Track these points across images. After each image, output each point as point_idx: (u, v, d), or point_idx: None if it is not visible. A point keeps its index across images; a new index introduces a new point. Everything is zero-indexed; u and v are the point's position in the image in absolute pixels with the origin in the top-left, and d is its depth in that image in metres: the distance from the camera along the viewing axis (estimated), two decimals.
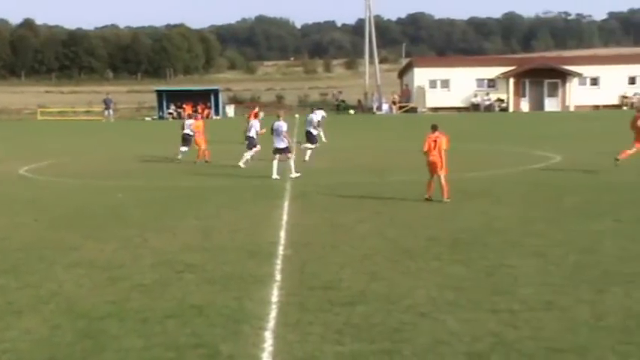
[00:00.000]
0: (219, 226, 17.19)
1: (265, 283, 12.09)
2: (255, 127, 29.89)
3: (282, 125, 26.13)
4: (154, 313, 10.55)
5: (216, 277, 12.53)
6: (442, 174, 19.88)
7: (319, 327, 9.84)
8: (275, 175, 25.47)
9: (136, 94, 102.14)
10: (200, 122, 33.54)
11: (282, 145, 26.01)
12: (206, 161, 31.66)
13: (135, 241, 15.68)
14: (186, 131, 33.05)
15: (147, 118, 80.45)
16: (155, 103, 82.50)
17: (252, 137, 29.98)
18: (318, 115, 34.54)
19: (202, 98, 79.64)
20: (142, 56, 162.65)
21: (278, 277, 12.51)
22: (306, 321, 10.08)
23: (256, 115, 33.47)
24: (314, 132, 32.86)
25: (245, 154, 29.63)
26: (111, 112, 78.56)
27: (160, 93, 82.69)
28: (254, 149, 29.80)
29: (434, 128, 20.28)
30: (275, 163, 25.85)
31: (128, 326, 10.05)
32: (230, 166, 29.66)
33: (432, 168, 19.91)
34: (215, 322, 10.11)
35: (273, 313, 10.49)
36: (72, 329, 9.99)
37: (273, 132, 26.41)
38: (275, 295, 11.37)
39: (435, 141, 19.91)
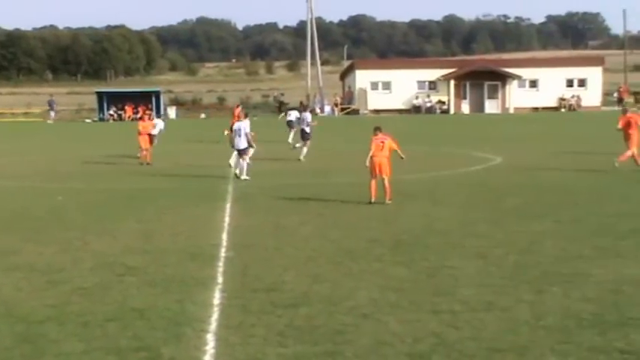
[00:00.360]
0: (161, 229, 17.06)
1: (207, 285, 12.02)
2: (245, 128, 26.97)
3: (244, 126, 26.08)
4: (94, 317, 10.42)
5: (158, 279, 12.43)
6: (386, 176, 19.91)
7: (262, 329, 9.82)
8: (245, 176, 25.50)
9: (76, 96, 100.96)
10: (149, 123, 33.61)
11: (243, 145, 26.00)
12: (147, 163, 31.41)
13: (75, 244, 15.48)
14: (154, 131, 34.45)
15: (87, 120, 79.56)
16: (95, 105, 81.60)
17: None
18: (308, 115, 35.35)
19: (143, 100, 78.97)
20: (82, 57, 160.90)
21: (220, 279, 12.45)
22: (249, 323, 10.05)
23: (239, 117, 32.37)
24: (308, 130, 33.51)
25: (242, 161, 26.54)
26: (53, 113, 77.56)
27: (100, 94, 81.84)
28: (251, 150, 27.25)
29: (377, 130, 20.31)
30: (244, 163, 25.85)
31: (68, 330, 9.92)
32: (171, 169, 29.45)
33: (378, 170, 19.87)
34: (156, 325, 10.02)
35: (215, 316, 10.43)
36: (10, 333, 9.82)
37: (235, 133, 26.39)
38: (217, 298, 11.31)
39: (383, 142, 19.93)
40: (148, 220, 18.32)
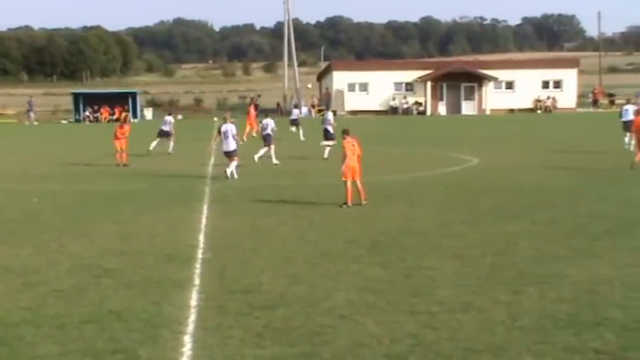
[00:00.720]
0: (138, 230, 17.01)
1: (184, 287, 12.00)
2: (232, 130, 26.67)
3: (231, 128, 26.17)
4: (71, 319, 10.37)
5: (135, 281, 12.39)
6: (358, 179, 19.86)
7: (239, 331, 9.81)
8: (235, 176, 25.88)
9: (51, 97, 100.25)
10: (127, 129, 33.43)
11: (232, 147, 26.14)
12: (124, 164, 31.28)
13: (51, 246, 15.40)
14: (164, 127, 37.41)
15: (63, 121, 79.12)
16: (71, 106, 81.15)
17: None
18: (330, 115, 36.69)
19: (120, 101, 78.70)
20: (57, 58, 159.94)
21: (197, 281, 12.43)
22: (226, 325, 10.04)
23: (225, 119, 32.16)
24: (331, 129, 34.13)
25: (231, 166, 26.36)
26: (32, 114, 77.09)
27: (76, 96, 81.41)
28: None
29: (346, 133, 20.24)
30: (233, 165, 26.05)
31: (44, 332, 9.86)
32: (148, 170, 29.35)
33: (352, 173, 19.80)
34: (133, 327, 9.99)
35: (192, 317, 10.41)
36: None
37: (222, 135, 26.44)
38: (194, 299, 11.29)
39: (354, 145, 19.92)
40: (125, 221, 18.26)
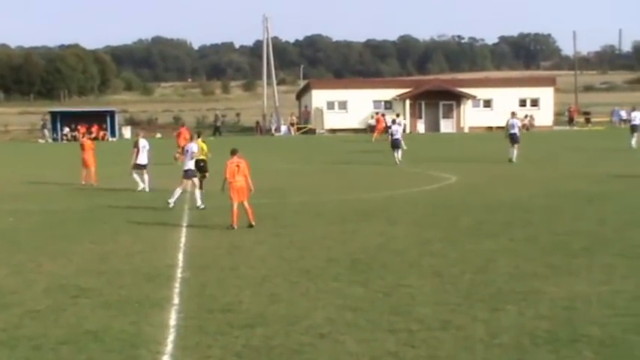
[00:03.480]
0: (116, 250, 16.92)
1: (163, 306, 11.94)
2: (192, 148, 27.22)
3: (193, 147, 25.44)
4: (47, 340, 10.29)
5: (113, 301, 12.32)
6: (245, 200, 19.41)
7: (218, 350, 9.77)
8: (199, 204, 23.31)
9: (29, 116, 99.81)
10: (90, 142, 33.27)
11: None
12: (91, 184, 31.01)
13: (28, 266, 15.29)
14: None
15: (40, 141, 78.72)
16: (49, 125, 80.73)
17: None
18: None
19: (98, 120, 78.41)
20: (34, 77, 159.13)
21: (176, 300, 12.38)
22: (205, 344, 10.00)
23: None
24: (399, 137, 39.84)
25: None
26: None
27: (54, 114, 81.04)
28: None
29: (233, 153, 19.92)
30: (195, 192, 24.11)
31: (19, 354, 9.78)
32: (126, 189, 29.22)
33: (239, 194, 19.33)
34: (111, 348, 9.92)
35: (171, 337, 10.36)
36: None
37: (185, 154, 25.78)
38: (173, 319, 11.24)
39: (238, 166, 19.47)
40: (103, 241, 18.16)
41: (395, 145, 39.88)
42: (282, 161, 42.73)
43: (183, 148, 31.57)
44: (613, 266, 14.31)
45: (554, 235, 17.78)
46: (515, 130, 38.70)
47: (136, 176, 28.52)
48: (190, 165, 23.78)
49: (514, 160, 37.52)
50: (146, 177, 28.35)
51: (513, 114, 41.16)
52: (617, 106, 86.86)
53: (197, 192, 23.41)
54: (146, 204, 24.94)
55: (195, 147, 24.42)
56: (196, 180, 23.96)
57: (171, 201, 23.18)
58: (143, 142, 29.22)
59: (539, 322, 10.75)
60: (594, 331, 10.26)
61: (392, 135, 40.38)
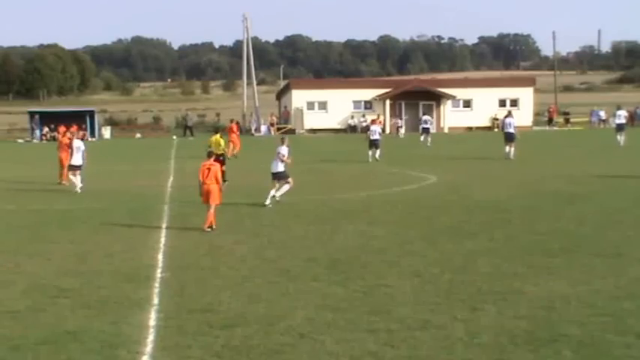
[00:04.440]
0: (95, 250, 16.85)
1: (143, 306, 11.91)
2: (81, 147, 29.33)
3: (282, 149, 24.53)
4: (26, 340, 10.24)
5: (92, 301, 12.28)
6: (214, 203, 19.23)
7: (198, 350, 9.75)
8: (267, 202, 23.46)
9: (7, 116, 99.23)
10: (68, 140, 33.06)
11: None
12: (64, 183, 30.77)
13: (6, 267, 15.21)
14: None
15: (19, 140, 78.25)
16: (28, 125, 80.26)
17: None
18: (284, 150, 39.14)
19: (77, 119, 77.80)
20: (13, 77, 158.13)
21: (156, 300, 12.35)
22: (185, 344, 9.98)
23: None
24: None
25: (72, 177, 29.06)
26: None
27: (32, 114, 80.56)
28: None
29: (209, 155, 20.00)
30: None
31: None
32: (105, 189, 29.12)
33: (207, 197, 19.20)
34: (91, 348, 9.89)
35: (151, 337, 10.34)
36: None
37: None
38: (153, 319, 11.21)
39: (209, 169, 19.39)
40: (82, 241, 18.08)
41: (373, 144, 40.78)
42: (261, 161, 42.66)
43: (233, 143, 42.39)
44: (592, 266, 14.40)
45: (534, 235, 17.86)
46: (512, 129, 40.47)
47: (72, 177, 28.67)
48: (280, 167, 23.96)
49: (511, 157, 39.22)
50: (79, 178, 28.40)
51: (509, 113, 44.06)
52: (597, 106, 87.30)
53: (272, 191, 23.73)
54: (126, 204, 24.86)
55: (285, 149, 24.35)
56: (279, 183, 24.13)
57: (278, 196, 23.74)
58: (77, 143, 29.40)
59: (518, 321, 10.80)
60: (573, 331, 10.32)
61: (371, 135, 41.13)
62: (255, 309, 11.66)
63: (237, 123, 52.89)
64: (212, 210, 19.23)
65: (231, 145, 43.64)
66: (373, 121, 47.11)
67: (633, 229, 18.36)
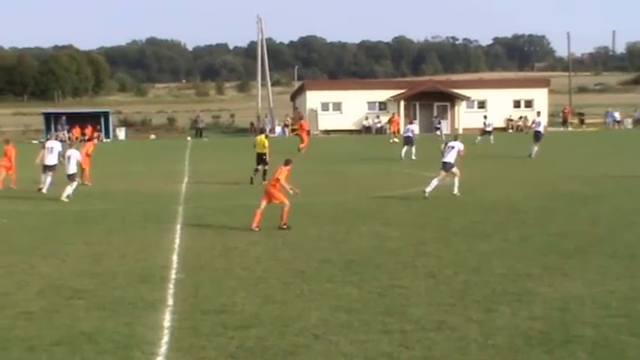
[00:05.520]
0: (110, 251, 16.89)
1: (157, 307, 11.93)
2: (75, 154, 27.97)
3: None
4: (41, 341, 10.27)
5: (107, 302, 12.31)
6: (277, 202, 19.56)
7: (212, 351, 9.76)
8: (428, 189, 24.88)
9: (22, 117, 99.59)
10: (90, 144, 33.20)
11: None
12: (86, 184, 30.85)
13: (21, 267, 15.26)
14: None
15: (34, 141, 78.54)
16: (42, 126, 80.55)
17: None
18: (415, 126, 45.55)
19: (92, 121, 78.18)
20: (28, 78, 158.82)
21: (170, 301, 12.37)
22: (199, 345, 9.99)
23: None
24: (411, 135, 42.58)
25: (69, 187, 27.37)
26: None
27: (47, 115, 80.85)
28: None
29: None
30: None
31: (13, 356, 9.76)
32: (119, 190, 29.17)
33: (269, 198, 19.61)
34: (105, 349, 9.91)
35: (165, 338, 10.36)
36: None
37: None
38: (167, 320, 11.23)
39: (277, 171, 19.95)
40: (97, 242, 18.13)
41: (408, 142, 42.68)
42: (276, 162, 42.65)
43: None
44: (607, 267, 14.35)
45: (548, 235, 17.81)
46: (540, 128, 41.56)
47: (42, 175, 28.83)
48: (449, 158, 25.41)
49: (533, 156, 39.98)
50: (49, 179, 28.37)
51: (538, 113, 47.95)
52: (611, 107, 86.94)
53: (435, 180, 25.14)
54: (141, 205, 24.91)
55: (461, 145, 26.02)
56: (450, 172, 25.56)
57: (428, 190, 24.68)
58: (51, 144, 29.78)
59: (532, 322, 10.77)
60: (588, 332, 10.28)
61: (404, 133, 44.04)
62: (269, 310, 11.67)
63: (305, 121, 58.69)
64: (285, 209, 19.40)
65: (305, 140, 47.67)
66: (411, 122, 51.74)
67: None
